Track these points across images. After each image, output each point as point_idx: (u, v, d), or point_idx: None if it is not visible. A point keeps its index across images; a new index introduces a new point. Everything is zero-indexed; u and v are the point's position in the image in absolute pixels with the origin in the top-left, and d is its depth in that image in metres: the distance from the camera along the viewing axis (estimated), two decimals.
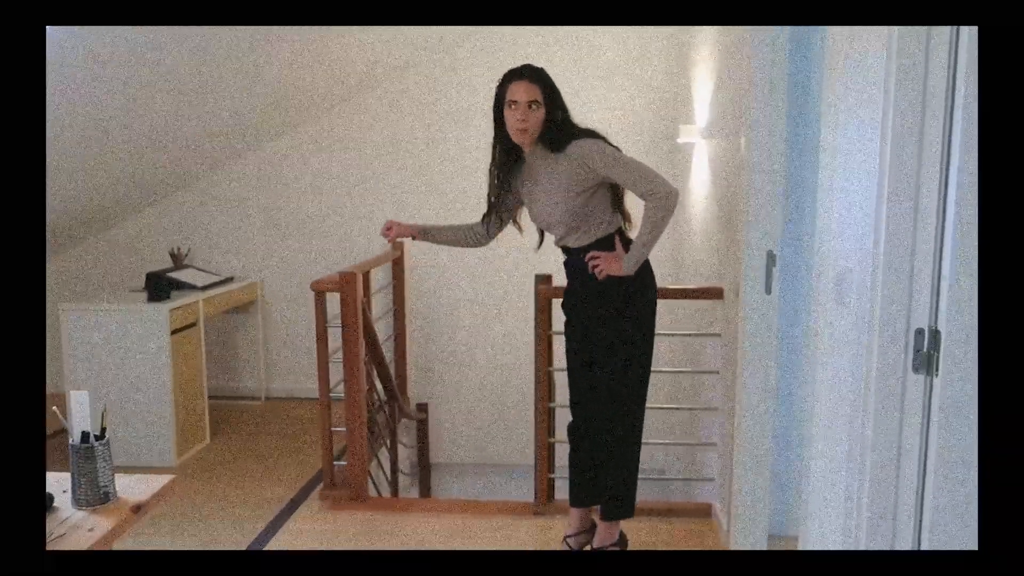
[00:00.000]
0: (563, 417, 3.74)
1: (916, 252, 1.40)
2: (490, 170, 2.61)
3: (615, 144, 2.48)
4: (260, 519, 3.31)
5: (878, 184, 1.45)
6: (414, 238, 2.77)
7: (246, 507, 3.45)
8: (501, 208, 2.67)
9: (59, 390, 3.74)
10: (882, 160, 1.43)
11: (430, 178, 4.90)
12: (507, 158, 2.56)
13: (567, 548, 2.78)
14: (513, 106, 2.42)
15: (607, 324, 2.56)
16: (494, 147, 2.57)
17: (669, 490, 4.51)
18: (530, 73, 2.43)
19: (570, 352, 2.69)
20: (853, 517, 1.56)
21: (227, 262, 5.03)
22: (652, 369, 2.61)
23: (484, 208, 2.70)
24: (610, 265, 2.48)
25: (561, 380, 3.53)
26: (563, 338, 2.72)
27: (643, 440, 2.67)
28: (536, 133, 2.44)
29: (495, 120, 2.51)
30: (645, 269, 2.55)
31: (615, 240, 2.54)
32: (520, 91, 2.40)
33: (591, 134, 2.47)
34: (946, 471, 1.33)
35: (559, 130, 2.45)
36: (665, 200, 2.40)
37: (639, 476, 2.70)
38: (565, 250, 2.60)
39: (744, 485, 2.75)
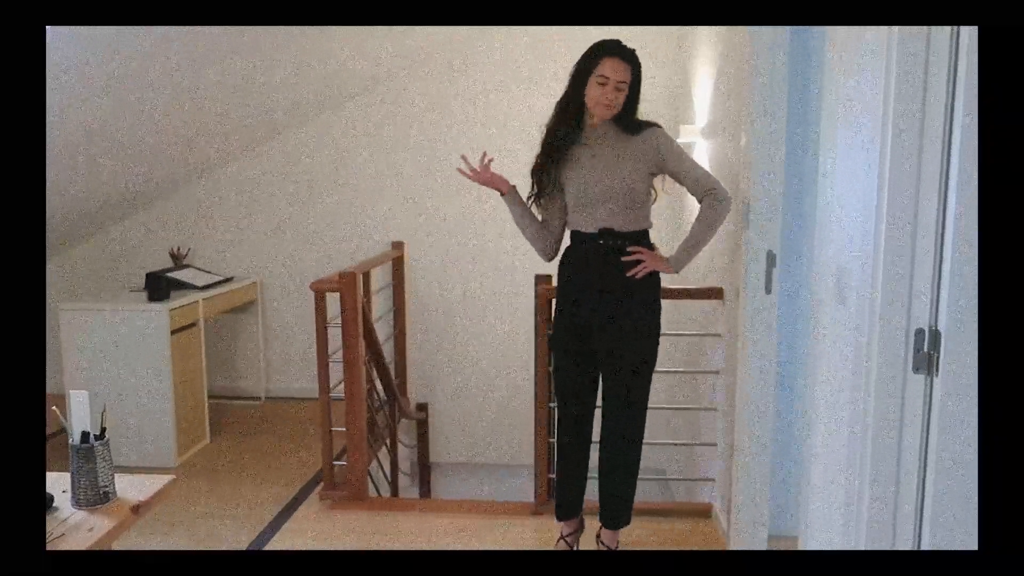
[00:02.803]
0: None
1: (916, 252, 1.40)
2: (546, 143, 2.54)
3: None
4: (260, 519, 3.31)
5: (878, 184, 1.45)
6: (502, 193, 2.61)
7: (246, 507, 3.44)
8: (548, 186, 2.57)
9: (59, 390, 3.73)
10: (882, 160, 1.43)
11: (431, 178, 4.90)
12: (568, 130, 2.51)
13: (566, 547, 2.78)
14: (604, 82, 2.41)
15: (642, 324, 2.54)
16: (560, 116, 2.52)
17: (669, 490, 4.51)
18: (627, 54, 2.44)
19: (577, 354, 2.61)
20: (853, 517, 1.56)
21: (227, 262, 5.03)
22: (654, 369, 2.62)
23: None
24: (656, 263, 2.51)
25: None
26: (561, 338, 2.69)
27: (644, 440, 2.68)
28: (617, 112, 2.48)
29: (572, 89, 2.47)
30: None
31: (650, 238, 2.58)
32: (616, 70, 2.41)
33: (658, 125, 2.54)
34: (946, 471, 1.32)
35: (632, 113, 2.50)
36: (724, 203, 2.50)
37: (639, 476, 2.71)
38: (603, 234, 2.50)
39: (744, 485, 2.75)
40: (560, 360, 2.68)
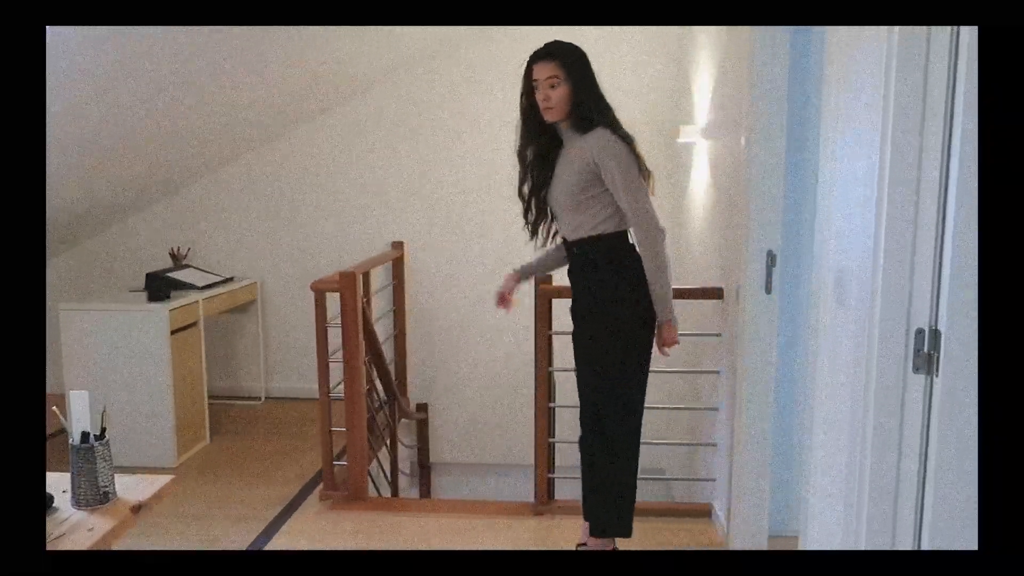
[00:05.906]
0: (563, 417, 3.74)
1: (916, 252, 1.40)
2: (519, 156, 2.54)
3: (630, 134, 2.44)
4: (260, 519, 3.31)
5: (878, 184, 1.45)
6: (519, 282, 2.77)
7: (246, 507, 3.44)
8: (537, 200, 2.56)
9: (59, 390, 3.73)
10: (882, 160, 1.43)
11: (431, 178, 4.90)
12: (535, 141, 2.50)
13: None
14: (536, 85, 2.39)
15: (608, 325, 2.51)
16: (520, 133, 2.51)
17: (669, 490, 4.51)
18: (548, 51, 2.39)
19: (576, 359, 2.62)
20: (853, 517, 1.56)
21: (227, 262, 5.03)
22: (653, 369, 2.60)
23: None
24: (669, 338, 2.51)
25: (561, 380, 3.54)
26: (565, 339, 2.70)
27: (644, 440, 2.65)
28: (564, 110, 2.40)
29: (520, 103, 2.47)
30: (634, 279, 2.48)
31: (625, 239, 2.48)
32: (539, 70, 2.38)
33: (610, 123, 2.41)
34: (946, 471, 1.32)
35: (586, 109, 2.39)
36: (645, 238, 2.40)
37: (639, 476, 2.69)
38: (566, 245, 2.54)
39: (744, 485, 2.75)
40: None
